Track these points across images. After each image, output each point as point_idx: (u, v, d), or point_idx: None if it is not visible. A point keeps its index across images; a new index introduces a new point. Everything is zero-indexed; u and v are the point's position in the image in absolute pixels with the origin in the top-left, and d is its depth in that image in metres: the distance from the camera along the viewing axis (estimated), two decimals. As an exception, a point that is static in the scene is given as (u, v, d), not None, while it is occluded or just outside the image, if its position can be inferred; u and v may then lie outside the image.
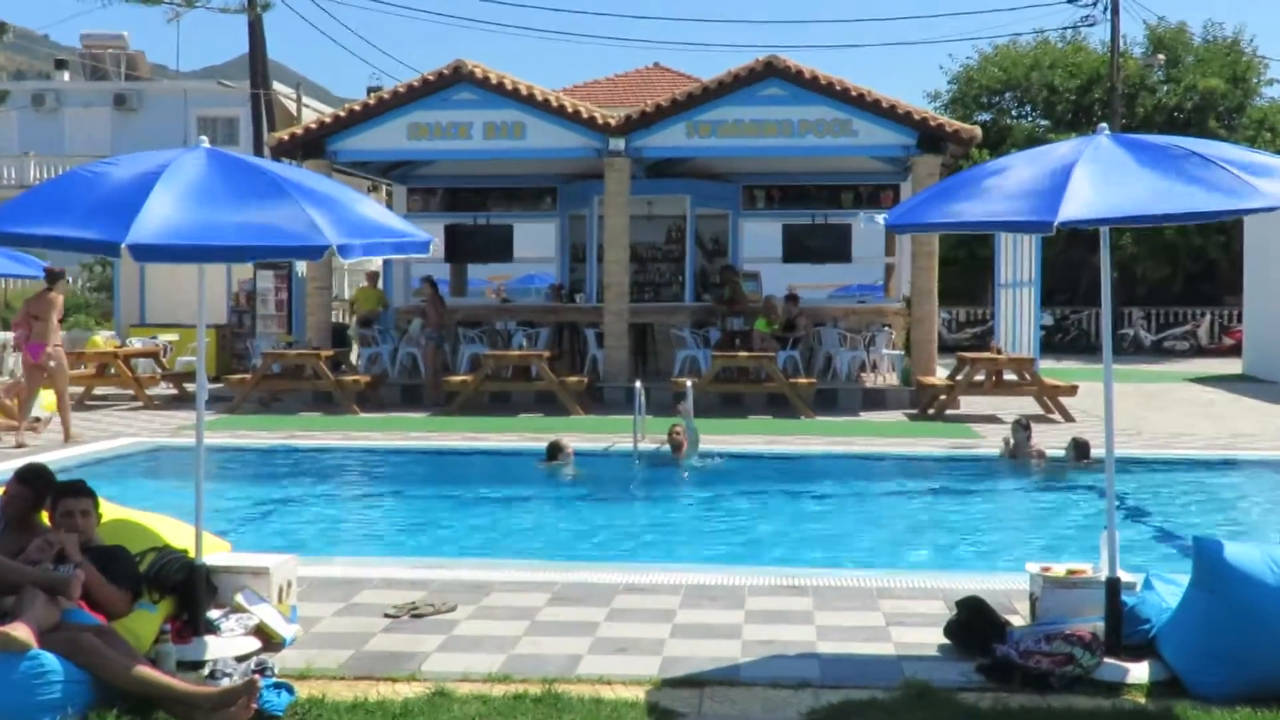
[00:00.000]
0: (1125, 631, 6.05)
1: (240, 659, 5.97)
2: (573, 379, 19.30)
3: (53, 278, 16.67)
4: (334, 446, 15.41)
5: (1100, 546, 6.49)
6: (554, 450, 13.65)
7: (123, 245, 5.29)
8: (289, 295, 24.63)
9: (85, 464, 13.68)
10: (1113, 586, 6.10)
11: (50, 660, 5.17)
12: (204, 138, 6.58)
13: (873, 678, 5.88)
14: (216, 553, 6.93)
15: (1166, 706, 5.45)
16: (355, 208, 6.00)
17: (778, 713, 5.45)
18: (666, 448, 13.94)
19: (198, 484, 6.53)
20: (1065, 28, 41.48)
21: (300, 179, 6.01)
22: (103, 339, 23.21)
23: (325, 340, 21.47)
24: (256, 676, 5.47)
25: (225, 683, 5.48)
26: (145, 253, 5.36)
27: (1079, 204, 5.32)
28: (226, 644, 6.20)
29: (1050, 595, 6.45)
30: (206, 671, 5.76)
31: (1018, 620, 6.65)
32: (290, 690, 5.53)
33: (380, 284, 23.60)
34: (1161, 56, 40.40)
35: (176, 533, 6.85)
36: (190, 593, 6.33)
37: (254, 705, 5.31)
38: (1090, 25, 39.19)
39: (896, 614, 7.08)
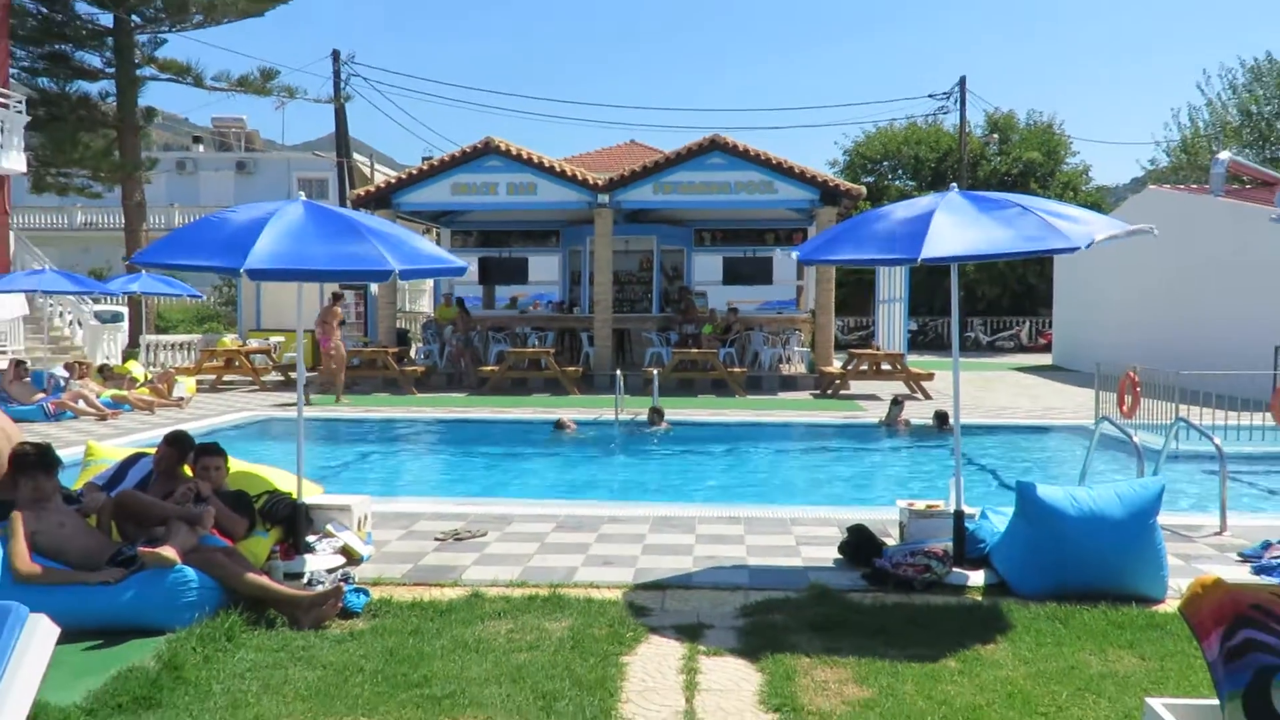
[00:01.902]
0: (967, 549, 6.12)
1: (330, 571, 5.96)
2: (571, 369, 19.24)
3: (335, 298, 18.66)
4: (398, 418, 15.34)
5: (949, 488, 6.54)
6: (560, 425, 13.63)
7: (241, 270, 5.27)
8: (365, 308, 24.58)
9: (218, 430, 13.59)
10: (958, 517, 6.16)
11: (190, 573, 5.15)
12: (301, 193, 6.52)
13: (787, 582, 5.92)
14: (313, 494, 6.90)
15: (996, 602, 5.51)
16: (412, 243, 6.00)
17: (719, 608, 5.47)
18: (642, 417, 13.96)
19: (299, 445, 6.51)
20: (928, 114, 41.81)
21: (372, 223, 5.98)
22: (230, 340, 23.02)
23: (391, 341, 21.40)
24: (341, 584, 5.46)
25: (319, 588, 5.47)
26: (258, 275, 5.34)
27: (937, 245, 5.35)
28: (320, 560, 6.18)
29: (914, 523, 6.51)
30: (305, 580, 5.75)
31: (891, 541, 6.69)
32: (366, 593, 5.53)
33: (448, 302, 23.23)
34: (996, 135, 40.62)
35: (283, 479, 6.81)
36: (293, 523, 6.31)
37: (340, 604, 5.31)
38: (945, 113, 39.38)
39: (804, 537, 7.11)
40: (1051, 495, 5.62)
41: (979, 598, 5.64)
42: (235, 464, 6.81)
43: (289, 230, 5.58)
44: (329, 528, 6.51)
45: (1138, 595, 5.51)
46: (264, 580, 5.33)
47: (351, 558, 6.37)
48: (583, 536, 7.11)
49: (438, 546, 6.82)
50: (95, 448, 7.20)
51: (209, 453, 6.13)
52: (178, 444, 6.28)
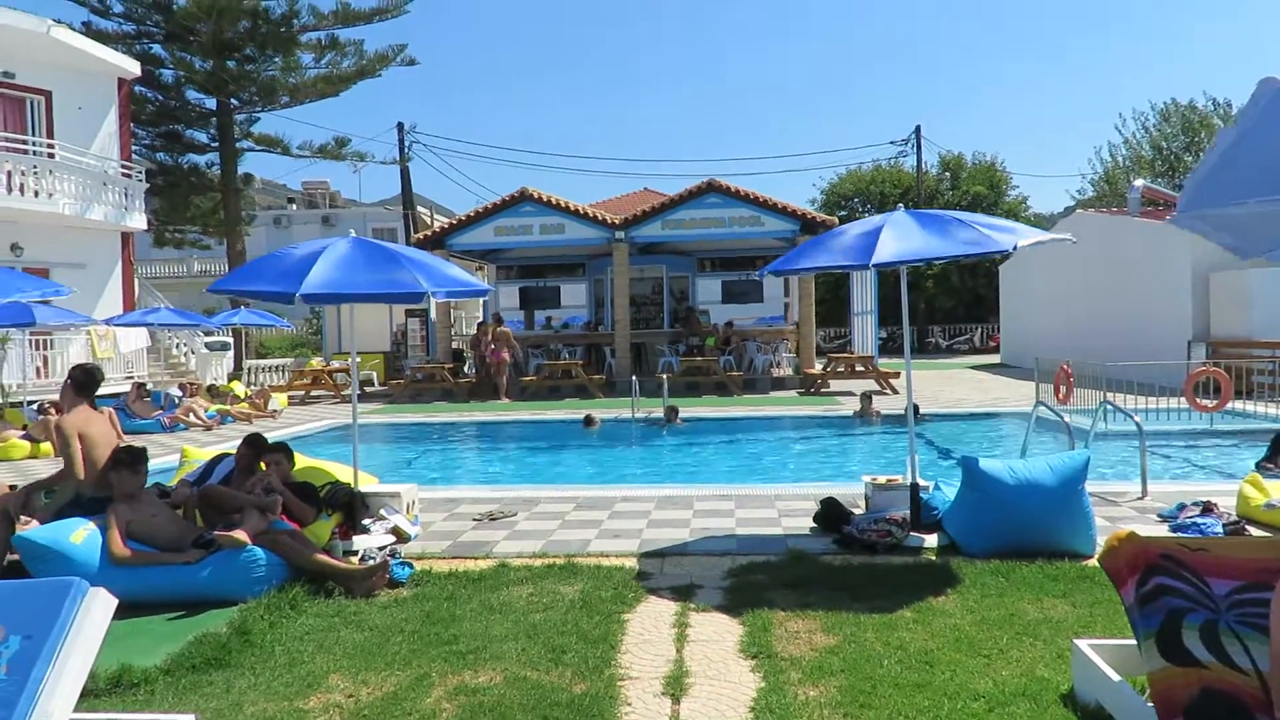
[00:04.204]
0: (922, 516, 5.90)
1: (380, 548, 5.81)
2: (596, 377, 19.09)
3: (498, 320, 19.77)
4: (453, 421, 15.21)
5: (907, 465, 6.31)
6: (588, 420, 13.46)
7: (297, 295, 5.15)
8: (427, 332, 24.54)
9: (304, 435, 13.50)
10: (914, 489, 5.95)
11: (259, 552, 5.02)
12: (352, 230, 6.41)
13: (769, 548, 5.72)
14: (368, 483, 6.77)
15: (947, 560, 5.28)
16: (443, 269, 5.85)
17: (709, 571, 5.28)
18: (656, 414, 13.78)
19: (354, 444, 6.39)
20: (890, 157, 41.02)
21: (409, 253, 5.84)
22: (316, 362, 23.03)
23: (448, 359, 21.32)
24: (388, 559, 5.32)
25: (371, 563, 5.32)
26: (311, 299, 5.21)
27: (884, 252, 5.16)
28: (374, 539, 6.03)
29: (877, 495, 6.29)
30: (359, 557, 5.60)
31: (857, 510, 6.48)
32: (410, 566, 5.38)
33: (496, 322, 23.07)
34: (948, 173, 40.23)
35: (344, 472, 6.68)
36: (351, 508, 6.18)
37: (387, 576, 5.17)
38: (904, 156, 38.96)
39: (785, 509, 6.90)
40: (992, 467, 5.39)
41: (933, 557, 5.41)
42: (303, 460, 6.70)
43: (338, 261, 5.46)
44: (382, 511, 6.37)
45: (1070, 552, 5.27)
46: (323, 557, 5.19)
47: (401, 537, 6.22)
48: (597, 514, 6.93)
49: (475, 526, 6.66)
50: (189, 451, 7.11)
51: (274, 450, 6.00)
52: (253, 445, 6.16)
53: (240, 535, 4.96)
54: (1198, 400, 11.27)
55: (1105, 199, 36.76)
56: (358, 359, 22.87)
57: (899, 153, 38.83)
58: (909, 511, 5.88)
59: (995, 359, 28.54)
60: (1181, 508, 6.15)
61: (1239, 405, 12.34)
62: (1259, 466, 8.25)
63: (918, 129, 36.65)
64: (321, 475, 6.52)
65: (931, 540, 5.66)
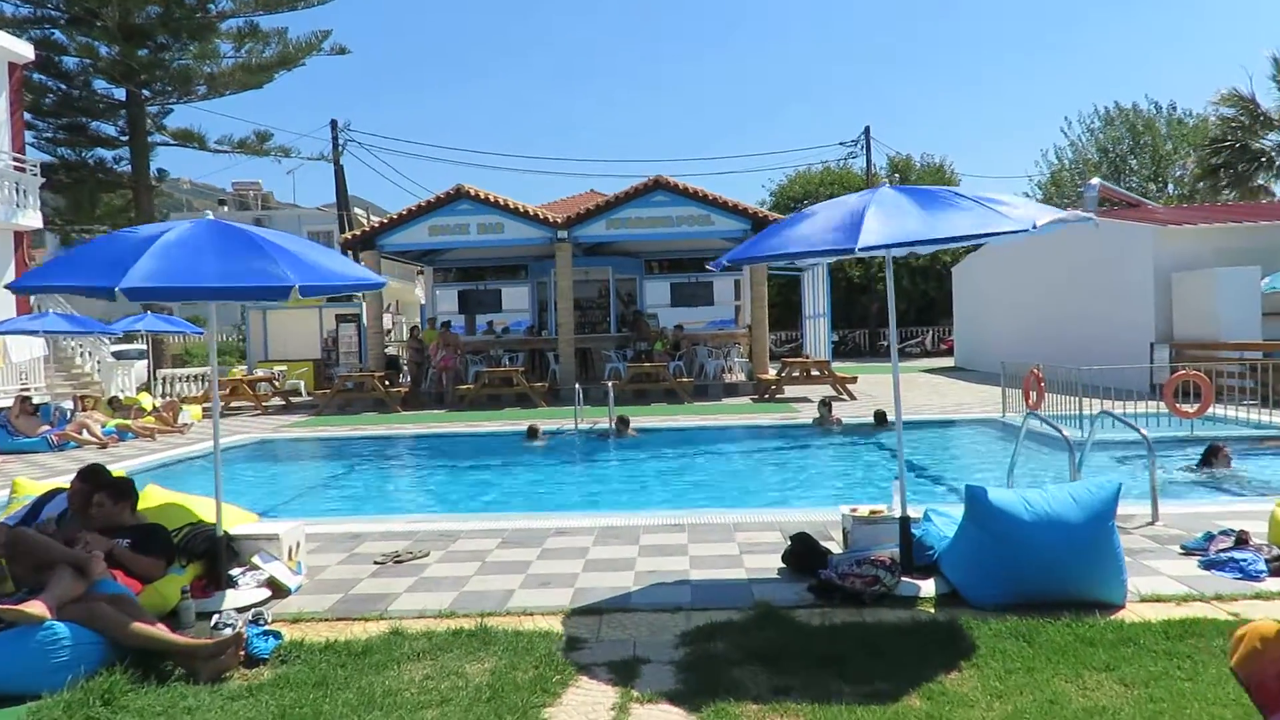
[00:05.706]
0: (915, 557, 4.87)
1: (242, 610, 4.60)
2: (539, 384, 17.92)
3: (446, 325, 19.62)
4: (380, 435, 13.88)
5: (893, 492, 5.29)
6: (532, 432, 12.33)
7: (117, 289, 3.95)
8: (359, 339, 23.14)
9: (212, 451, 12.08)
10: (904, 523, 4.92)
11: (61, 629, 3.79)
12: (209, 212, 5.21)
13: (732, 599, 4.65)
14: (241, 523, 5.54)
15: (953, 617, 4.24)
16: (321, 261, 4.64)
17: (658, 636, 4.20)
18: (600, 425, 12.73)
19: (216, 471, 5.14)
20: (840, 159, 40.56)
21: (280, 241, 4.63)
22: (238, 371, 21.42)
23: (381, 366, 19.97)
24: (243, 629, 4.11)
25: (227, 632, 4.12)
26: (136, 294, 4.00)
27: (872, 234, 4.14)
28: (242, 595, 4.84)
29: (858, 530, 5.25)
30: (212, 623, 4.38)
31: (835, 547, 5.47)
32: (277, 636, 4.20)
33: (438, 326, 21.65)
34: (897, 175, 39.80)
35: (212, 510, 5.43)
36: (213, 557, 4.96)
37: (243, 651, 3.99)
38: (854, 158, 38.53)
39: (748, 544, 5.84)
40: (1004, 499, 4.40)
41: (932, 610, 4.40)
42: (162, 495, 5.47)
43: (180, 247, 4.26)
44: (255, 559, 5.16)
45: (1097, 602, 4.30)
46: (151, 631, 3.97)
47: (279, 590, 5.03)
48: (525, 553, 5.81)
49: (375, 571, 5.49)
50: (21, 484, 5.81)
51: (101, 487, 4.76)
52: (89, 478, 4.93)
53: (33, 609, 3.74)
54: (1178, 406, 10.55)
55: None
56: (284, 369, 21.29)
57: (848, 154, 38.41)
58: (898, 551, 4.87)
59: (948, 362, 28.01)
60: (1210, 538, 5.25)
61: (1214, 410, 11.69)
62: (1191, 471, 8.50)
63: (867, 130, 36.25)
64: (182, 515, 5.28)
65: (928, 587, 4.65)
